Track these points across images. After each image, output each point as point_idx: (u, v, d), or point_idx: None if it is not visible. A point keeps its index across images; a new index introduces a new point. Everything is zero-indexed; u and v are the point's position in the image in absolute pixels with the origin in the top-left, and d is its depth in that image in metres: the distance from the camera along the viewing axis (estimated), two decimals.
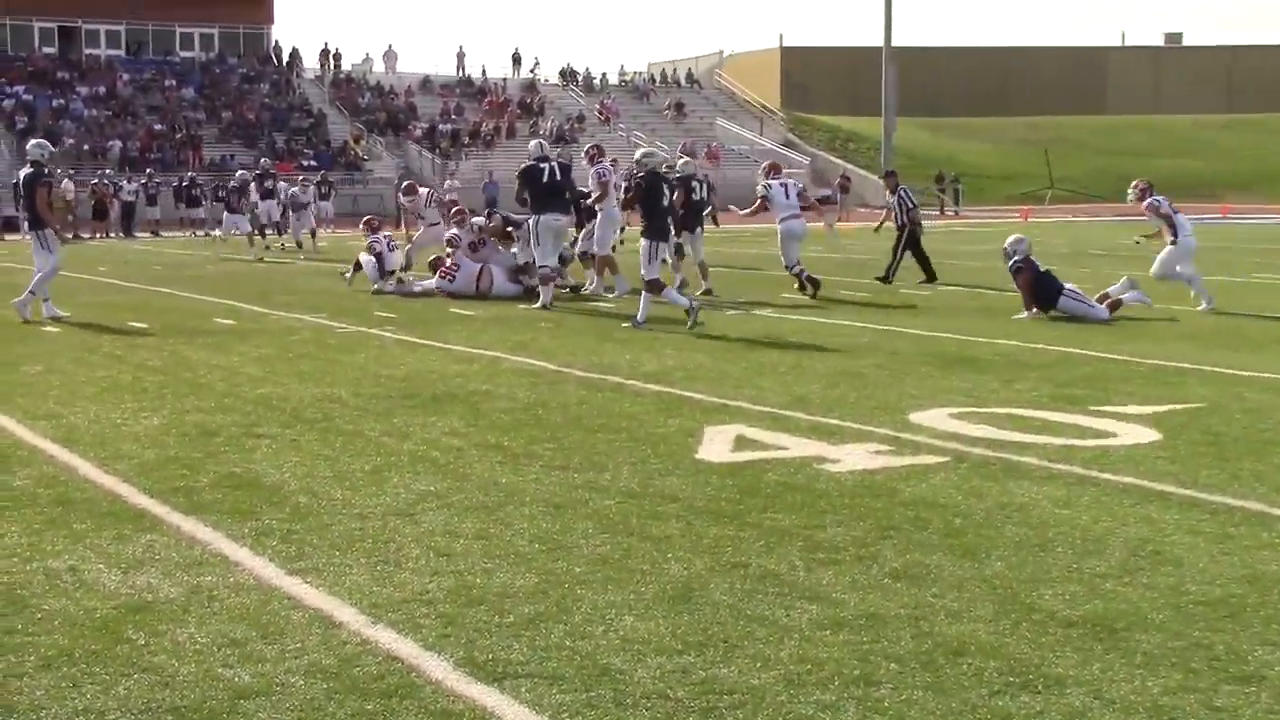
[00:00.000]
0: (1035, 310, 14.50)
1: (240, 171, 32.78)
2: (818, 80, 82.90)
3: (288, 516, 6.16)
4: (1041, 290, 14.55)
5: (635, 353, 11.77)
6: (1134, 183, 16.87)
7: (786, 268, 17.63)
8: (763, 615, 4.74)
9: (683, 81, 75.91)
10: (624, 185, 16.67)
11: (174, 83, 60.38)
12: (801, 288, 17.19)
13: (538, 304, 15.83)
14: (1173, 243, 15.71)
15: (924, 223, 20.54)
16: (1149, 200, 16.14)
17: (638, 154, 14.71)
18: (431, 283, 17.74)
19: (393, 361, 11.32)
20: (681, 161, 18.94)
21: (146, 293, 18.84)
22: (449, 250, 18.29)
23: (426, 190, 21.46)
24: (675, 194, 15.62)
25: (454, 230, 18.61)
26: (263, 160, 37.17)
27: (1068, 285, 14.76)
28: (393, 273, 18.53)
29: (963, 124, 77.51)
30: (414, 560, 5.44)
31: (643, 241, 14.06)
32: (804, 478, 6.85)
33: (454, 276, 17.43)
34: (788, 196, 17.87)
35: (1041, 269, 14.73)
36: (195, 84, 60.99)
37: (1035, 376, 10.25)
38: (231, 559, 5.49)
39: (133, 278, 21.82)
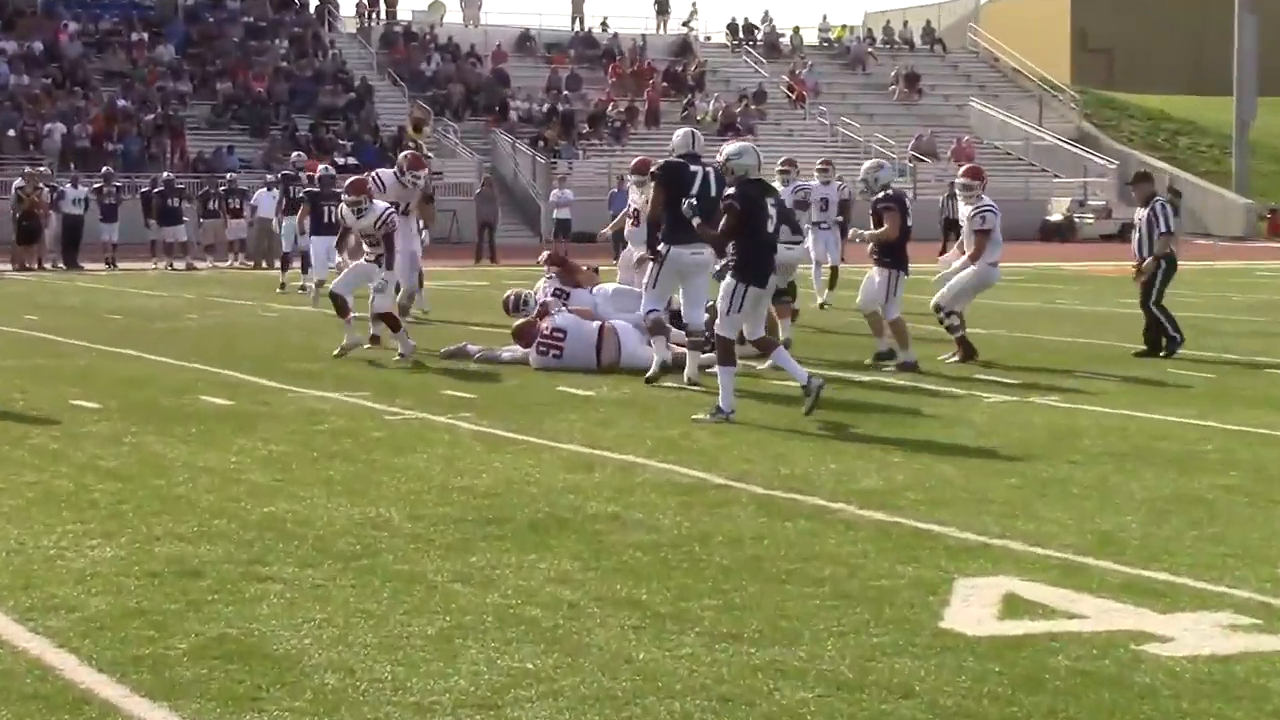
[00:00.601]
0: None
1: (323, 167, 30.53)
2: (1130, 41, 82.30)
3: (308, 705, 6.18)
4: None
5: (845, 459, 11.72)
6: None
7: (934, 308, 18.51)
8: None
9: (917, 41, 76.16)
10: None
11: (144, 37, 61.94)
12: (966, 352, 18.27)
13: (685, 377, 15.95)
14: None
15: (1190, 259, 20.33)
16: None
17: (723, 153, 14.60)
18: (527, 354, 17.78)
19: (471, 467, 11.39)
20: (868, 165, 18.89)
21: (98, 355, 19.23)
22: (530, 301, 18.51)
23: (425, 172, 21.78)
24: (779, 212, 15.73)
25: (542, 288, 18.93)
26: (295, 156, 37.48)
27: None
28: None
29: None
30: None
31: (726, 280, 14.18)
32: (1114, 665, 6.73)
33: (560, 349, 17.48)
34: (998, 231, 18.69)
35: None
36: (176, 39, 62.53)
37: None
38: None
39: (77, 331, 22.25)
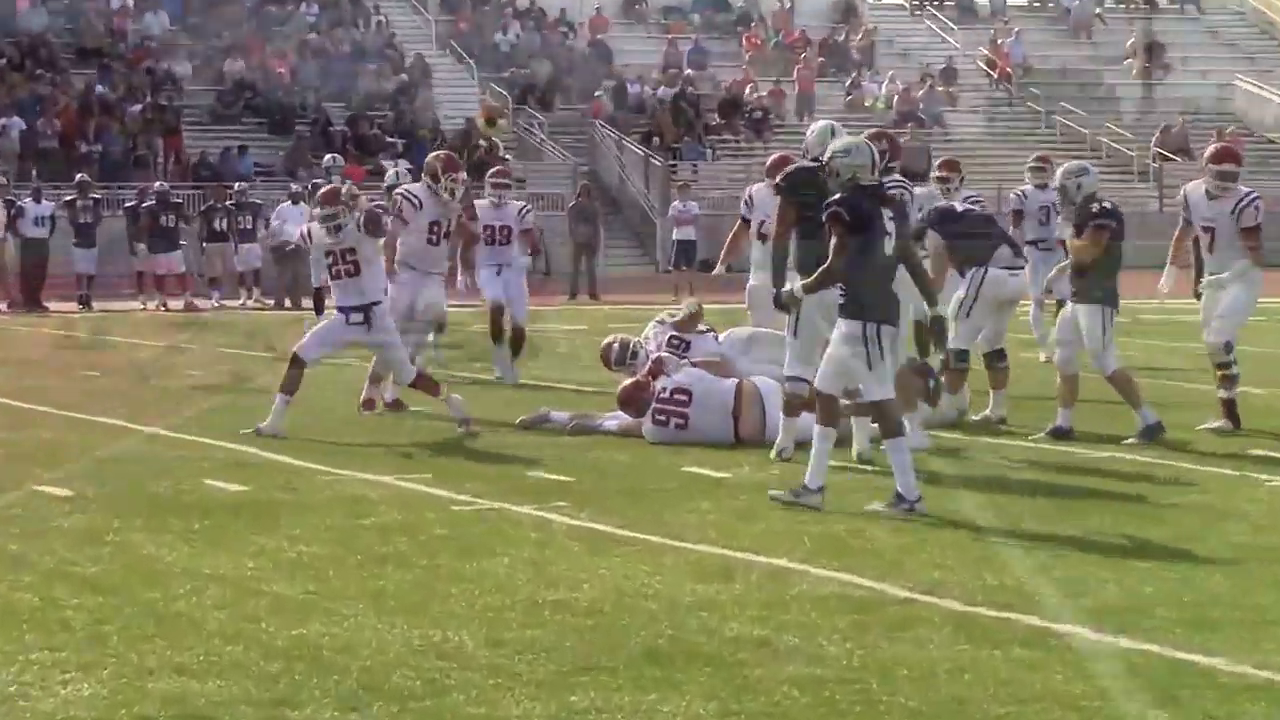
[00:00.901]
0: None
1: (393, 170, 28.71)
2: None
3: None
4: None
5: (1072, 565, 11.68)
6: None
7: (1223, 347, 18.27)
8: None
9: None
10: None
11: (128, 4, 62.31)
12: (1230, 413, 18.26)
13: (854, 453, 16.03)
14: None
15: None
16: None
17: (830, 149, 14.49)
18: (639, 424, 17.75)
19: (567, 575, 11.41)
20: (1067, 169, 18.21)
21: (69, 425, 19.43)
22: (640, 353, 18.81)
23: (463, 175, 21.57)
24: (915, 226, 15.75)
25: (651, 337, 19.23)
26: (328, 159, 37.53)
27: None
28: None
29: None
30: None
31: (842, 325, 14.08)
32: None
33: (684, 417, 17.43)
34: None
35: None
36: (171, 6, 62.78)
37: None
38: None
39: (42, 394, 22.47)
